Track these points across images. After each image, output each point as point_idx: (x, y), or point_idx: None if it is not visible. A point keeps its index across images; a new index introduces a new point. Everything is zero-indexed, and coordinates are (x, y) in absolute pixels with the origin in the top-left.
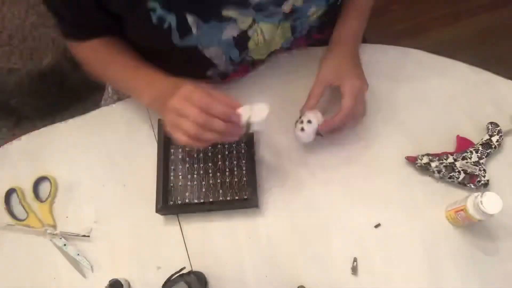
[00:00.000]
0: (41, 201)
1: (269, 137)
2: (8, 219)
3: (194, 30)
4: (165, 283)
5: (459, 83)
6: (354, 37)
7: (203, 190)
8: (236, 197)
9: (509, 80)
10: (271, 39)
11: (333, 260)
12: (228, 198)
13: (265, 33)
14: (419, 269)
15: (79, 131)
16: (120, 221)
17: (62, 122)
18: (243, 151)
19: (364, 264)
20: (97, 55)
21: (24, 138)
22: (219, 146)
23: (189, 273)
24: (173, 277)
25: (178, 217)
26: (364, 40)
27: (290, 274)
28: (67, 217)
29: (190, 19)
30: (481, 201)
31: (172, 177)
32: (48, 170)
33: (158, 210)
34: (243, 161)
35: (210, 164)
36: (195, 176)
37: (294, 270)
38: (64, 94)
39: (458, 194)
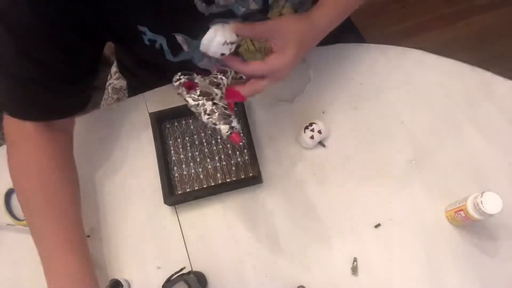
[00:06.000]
0: None
1: (270, 138)
2: (8, 219)
3: (185, 48)
4: (165, 283)
5: (459, 83)
6: (325, 19)
7: (206, 175)
8: (242, 176)
9: (509, 80)
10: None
11: (333, 260)
12: (234, 179)
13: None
14: (419, 269)
15: (79, 131)
16: (120, 221)
17: None
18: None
19: (364, 264)
20: (30, 176)
21: None
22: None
23: (189, 273)
24: (173, 277)
25: (178, 218)
26: (364, 40)
27: (290, 274)
28: None
29: (179, 38)
30: (481, 201)
31: (175, 168)
32: None
33: (166, 201)
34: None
35: (206, 150)
36: (197, 161)
37: (294, 270)
38: None
39: (458, 194)
